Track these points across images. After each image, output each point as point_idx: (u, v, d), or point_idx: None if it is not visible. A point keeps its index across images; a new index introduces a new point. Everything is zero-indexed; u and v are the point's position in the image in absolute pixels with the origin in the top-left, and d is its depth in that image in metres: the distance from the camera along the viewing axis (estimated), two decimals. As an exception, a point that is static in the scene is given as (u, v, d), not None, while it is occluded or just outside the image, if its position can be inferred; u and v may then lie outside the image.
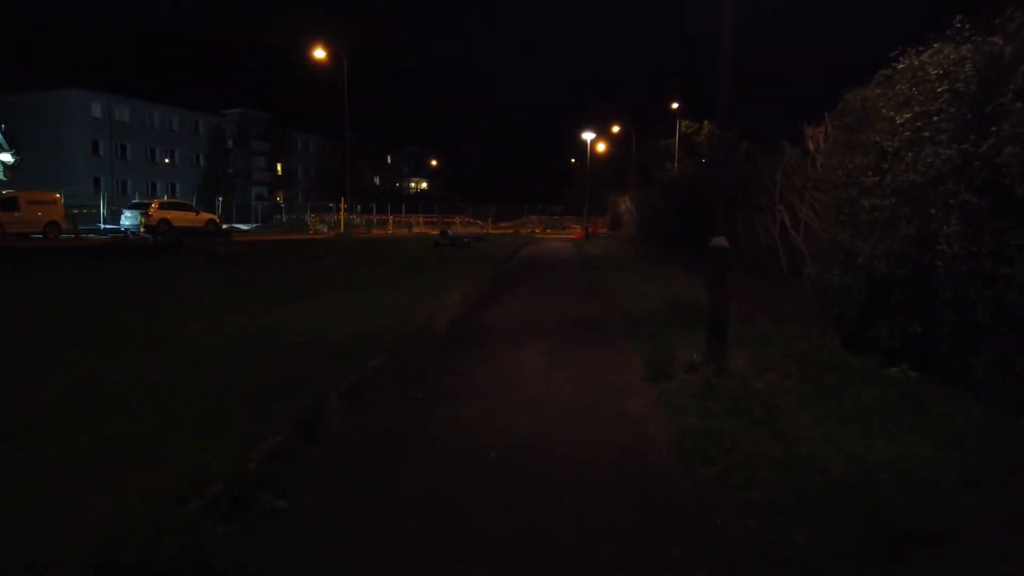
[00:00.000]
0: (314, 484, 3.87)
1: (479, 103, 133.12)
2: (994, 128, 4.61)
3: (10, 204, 25.53)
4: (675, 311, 9.61)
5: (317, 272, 15.54)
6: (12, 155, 38.41)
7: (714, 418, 4.82)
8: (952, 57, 5.28)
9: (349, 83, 34.98)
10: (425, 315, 9.31)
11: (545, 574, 3.01)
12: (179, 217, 30.40)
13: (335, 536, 3.28)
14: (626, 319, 9.44)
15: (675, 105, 42.84)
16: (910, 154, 5.52)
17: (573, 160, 69.07)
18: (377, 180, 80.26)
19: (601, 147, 52.91)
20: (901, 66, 6.02)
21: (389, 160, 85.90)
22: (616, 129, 52.88)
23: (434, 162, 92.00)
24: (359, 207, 54.06)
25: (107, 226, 35.58)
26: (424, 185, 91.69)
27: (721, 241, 6.18)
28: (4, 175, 36.73)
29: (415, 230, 49.04)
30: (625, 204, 35.45)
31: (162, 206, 31.13)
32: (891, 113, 5.93)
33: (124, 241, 25.15)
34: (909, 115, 5.61)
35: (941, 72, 5.27)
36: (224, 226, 36.48)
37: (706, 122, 41.50)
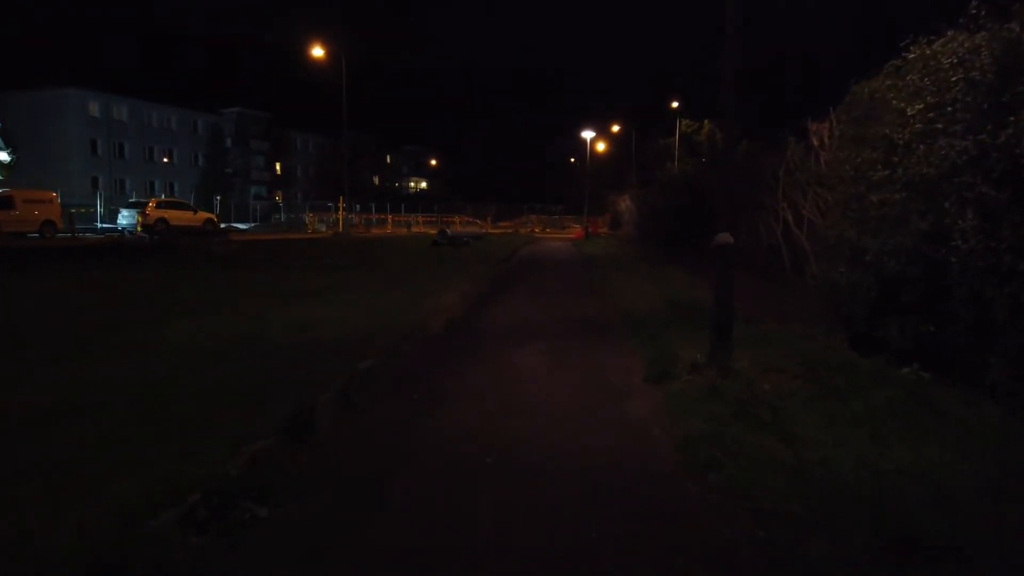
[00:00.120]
0: (299, 491, 3.66)
1: (479, 103, 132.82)
2: (1013, 117, 4.42)
3: (6, 203, 25.32)
4: (676, 311, 9.41)
5: (313, 272, 15.34)
6: (9, 154, 38.27)
7: (720, 421, 4.62)
8: (967, 45, 5.08)
9: (348, 82, 34.78)
10: (421, 315, 9.11)
11: (542, 590, 2.81)
12: (176, 216, 30.18)
13: (318, 547, 3.08)
14: (627, 319, 9.24)
15: (675, 104, 42.64)
16: (922, 146, 5.32)
17: (573, 160, 68.91)
18: (376, 179, 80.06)
19: (601, 146, 52.74)
20: (912, 56, 5.81)
21: (388, 159, 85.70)
22: (616, 128, 52.67)
23: (433, 162, 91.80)
24: (358, 206, 53.87)
25: (104, 225, 35.37)
26: (423, 185, 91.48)
27: (726, 237, 5.98)
28: (1, 174, 36.59)
29: (414, 229, 48.84)
30: (625, 204, 35.27)
31: (159, 205, 30.90)
32: (902, 104, 5.73)
33: (120, 240, 24.92)
34: (921, 106, 5.40)
35: (955, 61, 5.07)
36: (222, 225, 36.28)
37: (706, 121, 41.28)
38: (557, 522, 3.33)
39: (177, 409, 4.63)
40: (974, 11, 5.11)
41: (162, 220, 29.07)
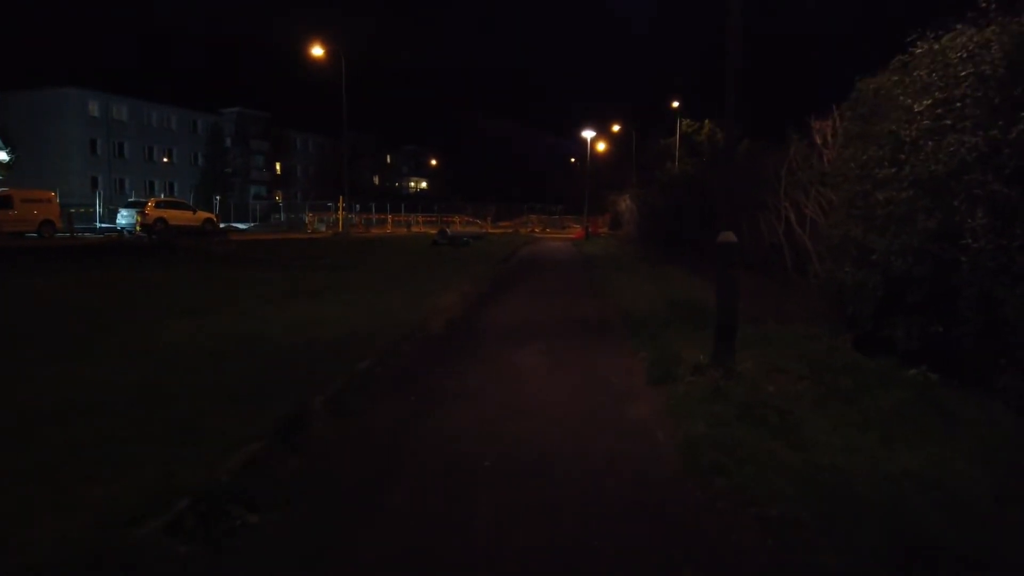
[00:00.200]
0: (292, 496, 3.55)
1: (479, 103, 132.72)
2: (1024, 113, 4.31)
3: (4, 203, 25.21)
4: (678, 311, 9.30)
5: (312, 271, 15.23)
6: (8, 153, 38.20)
7: (724, 424, 4.51)
8: (976, 39, 4.96)
9: (348, 82, 34.66)
10: (421, 315, 9.01)
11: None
12: (176, 216, 30.06)
13: (310, 556, 2.96)
14: (628, 319, 9.13)
15: (675, 104, 42.51)
16: (930, 143, 5.21)
17: (573, 160, 68.80)
18: (376, 179, 79.95)
19: (601, 146, 52.62)
20: (919, 51, 5.70)
21: (388, 159, 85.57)
22: (616, 128, 52.56)
23: (433, 162, 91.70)
24: (358, 206, 53.75)
25: (103, 225, 35.25)
26: (424, 184, 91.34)
27: (729, 236, 5.87)
28: (0, 174, 36.50)
29: (414, 229, 48.71)
30: (625, 203, 35.16)
31: (158, 205, 30.79)
32: (909, 101, 5.62)
33: (118, 240, 24.82)
34: (929, 102, 5.29)
35: (964, 55, 4.95)
36: (221, 225, 36.16)
37: (707, 121, 41.16)
38: (557, 529, 3.22)
39: (170, 411, 4.52)
40: (983, 4, 5.00)
41: (161, 220, 28.96)
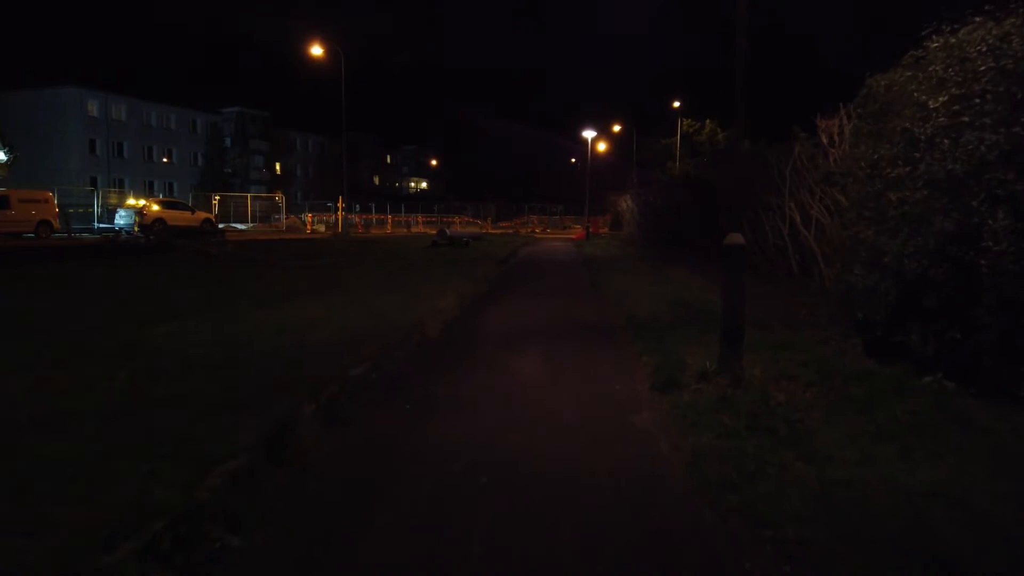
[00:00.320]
0: (277, 515, 3.35)
1: (479, 103, 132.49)
2: (1049, 109, 4.10)
3: (2, 203, 25.08)
4: (681, 314, 9.09)
5: (309, 272, 15.02)
6: (7, 153, 38.02)
7: (733, 435, 4.29)
8: (995, 33, 4.75)
9: (348, 82, 34.49)
10: (417, 318, 8.79)
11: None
12: (174, 216, 29.95)
13: (292, 584, 2.76)
14: (630, 323, 8.91)
15: (676, 104, 42.33)
16: (947, 141, 4.99)
17: (574, 160, 68.60)
18: (376, 179, 79.82)
19: (602, 146, 52.44)
20: (935, 45, 5.48)
21: (388, 159, 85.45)
22: (617, 128, 52.38)
23: (433, 162, 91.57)
24: (358, 206, 53.64)
25: (102, 225, 35.08)
26: (423, 185, 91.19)
27: (737, 237, 5.66)
28: (-1, 173, 36.34)
29: (414, 229, 48.55)
30: (626, 203, 34.90)
31: (157, 204, 30.68)
32: (923, 97, 5.40)
33: (115, 240, 24.63)
34: (945, 98, 5.08)
35: (984, 49, 4.74)
36: (220, 225, 36.00)
37: (707, 121, 40.99)
38: (558, 549, 3.01)
39: (151, 421, 4.30)
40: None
41: (160, 220, 28.85)
